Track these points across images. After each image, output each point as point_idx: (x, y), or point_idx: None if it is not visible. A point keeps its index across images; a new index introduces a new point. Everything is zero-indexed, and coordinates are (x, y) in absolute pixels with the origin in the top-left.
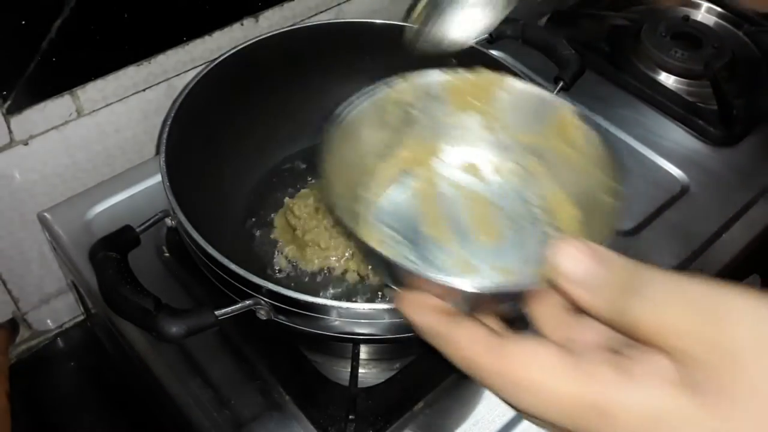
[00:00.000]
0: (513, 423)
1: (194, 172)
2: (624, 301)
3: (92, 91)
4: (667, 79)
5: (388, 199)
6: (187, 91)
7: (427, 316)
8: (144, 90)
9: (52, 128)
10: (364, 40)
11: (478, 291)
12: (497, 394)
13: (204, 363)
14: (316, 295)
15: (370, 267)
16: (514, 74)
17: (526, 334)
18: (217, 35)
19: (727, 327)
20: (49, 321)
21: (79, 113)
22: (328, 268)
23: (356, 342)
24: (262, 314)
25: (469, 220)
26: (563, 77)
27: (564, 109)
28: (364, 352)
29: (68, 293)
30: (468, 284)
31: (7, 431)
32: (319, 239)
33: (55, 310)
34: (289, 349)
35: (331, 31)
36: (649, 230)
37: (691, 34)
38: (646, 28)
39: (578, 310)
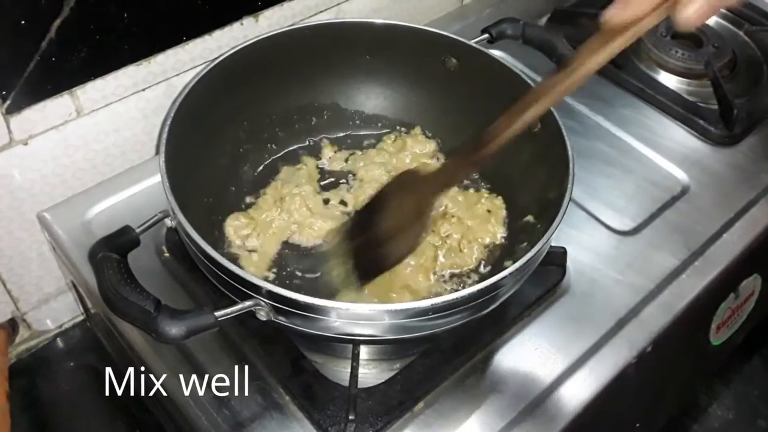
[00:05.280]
0: (513, 424)
1: (194, 172)
2: None
3: (92, 91)
4: (667, 79)
5: None
6: (186, 90)
7: None
8: (144, 90)
9: (52, 128)
10: (364, 40)
11: None
12: None
13: (204, 363)
14: (317, 295)
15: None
16: (515, 74)
17: None
18: (217, 35)
19: None
20: (48, 321)
21: (79, 113)
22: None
23: (356, 342)
24: (262, 315)
25: None
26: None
27: None
28: (364, 352)
29: (68, 293)
30: None
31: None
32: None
33: (54, 311)
34: (289, 350)
35: (331, 30)
36: (650, 230)
37: (691, 34)
38: None
39: None
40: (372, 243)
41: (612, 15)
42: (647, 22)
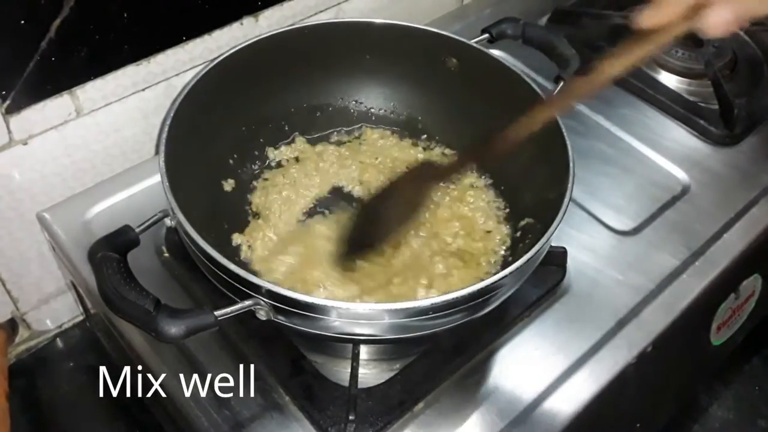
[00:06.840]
0: (513, 424)
1: (194, 172)
2: None
3: (91, 91)
4: (668, 79)
5: None
6: (186, 90)
7: None
8: (143, 90)
9: (51, 128)
10: (364, 40)
11: None
12: None
13: (204, 363)
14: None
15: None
16: (516, 74)
17: None
18: (217, 34)
19: None
20: (48, 321)
21: (78, 113)
22: None
23: (356, 342)
24: (262, 315)
25: None
26: (564, 77)
27: None
28: (364, 352)
29: (67, 293)
30: None
31: None
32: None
33: (54, 311)
34: (289, 350)
35: (330, 30)
36: (650, 230)
37: (691, 34)
38: None
39: None
40: (369, 220)
41: (644, 17)
42: (677, 28)
